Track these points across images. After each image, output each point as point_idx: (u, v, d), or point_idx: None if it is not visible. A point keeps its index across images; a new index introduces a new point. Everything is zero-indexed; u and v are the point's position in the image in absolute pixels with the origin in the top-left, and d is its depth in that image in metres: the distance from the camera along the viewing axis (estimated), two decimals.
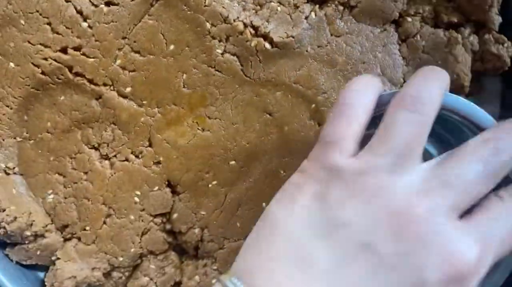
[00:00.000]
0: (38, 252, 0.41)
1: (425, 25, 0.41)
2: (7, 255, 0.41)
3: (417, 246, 0.24)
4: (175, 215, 0.40)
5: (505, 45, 0.40)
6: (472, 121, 0.30)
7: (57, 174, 0.41)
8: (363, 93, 0.29)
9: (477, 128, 0.30)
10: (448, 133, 0.34)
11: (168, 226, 0.41)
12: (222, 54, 0.38)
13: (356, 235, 0.25)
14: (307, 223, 0.27)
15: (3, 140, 0.40)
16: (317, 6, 0.40)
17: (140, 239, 0.41)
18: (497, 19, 0.40)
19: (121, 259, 0.41)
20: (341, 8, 0.40)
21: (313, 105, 0.40)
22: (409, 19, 0.41)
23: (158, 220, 0.41)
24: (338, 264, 0.25)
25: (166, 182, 0.40)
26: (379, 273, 0.25)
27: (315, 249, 0.26)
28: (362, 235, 0.25)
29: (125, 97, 0.39)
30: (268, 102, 0.40)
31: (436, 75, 0.28)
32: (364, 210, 0.25)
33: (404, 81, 0.41)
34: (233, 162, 0.40)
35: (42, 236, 0.40)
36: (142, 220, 0.41)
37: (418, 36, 0.41)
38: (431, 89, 0.27)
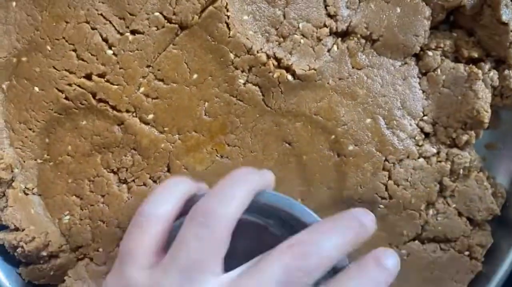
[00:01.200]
0: (52, 272, 0.42)
1: (446, 59, 0.43)
2: (19, 274, 0.43)
3: None
4: None
5: None
6: (295, 217, 0.31)
7: (74, 196, 0.42)
8: (159, 203, 0.29)
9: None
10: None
11: None
12: (244, 84, 0.41)
13: None
14: None
15: (24, 162, 0.42)
16: (340, 39, 0.42)
17: None
18: None
19: None
20: (363, 41, 0.42)
21: (333, 136, 0.42)
22: (430, 53, 0.43)
23: None
24: None
25: None
26: None
27: None
28: None
29: (147, 123, 0.41)
30: (287, 132, 0.42)
31: (242, 179, 0.29)
32: None
33: (424, 115, 0.43)
34: None
35: (57, 256, 0.42)
36: None
37: (439, 70, 0.43)
38: (228, 200, 0.27)
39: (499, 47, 0.42)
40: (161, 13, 0.39)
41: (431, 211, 0.43)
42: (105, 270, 0.43)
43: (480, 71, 0.42)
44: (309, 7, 0.41)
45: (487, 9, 0.41)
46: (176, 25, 0.39)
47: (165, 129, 0.41)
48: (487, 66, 0.43)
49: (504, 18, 0.40)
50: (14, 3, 0.39)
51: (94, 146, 0.41)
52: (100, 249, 0.42)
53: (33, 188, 0.42)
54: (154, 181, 0.42)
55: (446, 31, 0.44)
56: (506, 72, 0.42)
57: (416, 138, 0.43)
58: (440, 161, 0.43)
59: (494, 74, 0.43)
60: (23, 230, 0.40)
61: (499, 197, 0.45)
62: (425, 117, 0.43)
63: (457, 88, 0.43)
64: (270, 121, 0.41)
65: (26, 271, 0.42)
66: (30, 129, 0.41)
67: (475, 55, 0.43)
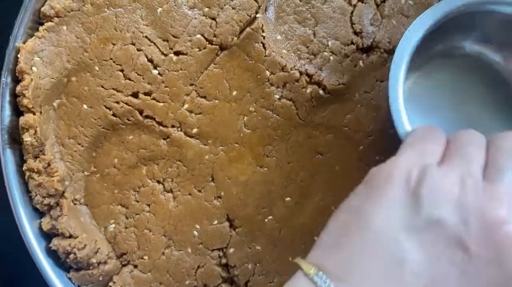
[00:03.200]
0: (100, 278, 0.49)
1: None
2: (69, 279, 0.49)
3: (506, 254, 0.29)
4: (231, 250, 0.49)
5: None
6: None
7: (120, 206, 0.49)
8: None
9: None
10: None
11: (223, 260, 0.50)
12: (279, 99, 0.47)
13: (448, 234, 0.29)
14: (398, 218, 0.30)
15: (73, 174, 0.48)
16: (365, 54, 0.49)
17: (196, 272, 0.49)
18: None
19: None
20: (385, 55, 0.49)
21: (361, 147, 0.49)
22: None
23: (215, 254, 0.49)
24: (430, 263, 0.29)
25: (225, 217, 0.49)
26: (469, 273, 0.28)
27: (406, 247, 0.29)
28: (454, 235, 0.29)
29: (191, 137, 0.47)
30: (319, 144, 0.48)
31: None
32: (458, 210, 0.30)
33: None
34: (288, 199, 0.48)
35: (105, 262, 0.49)
36: (199, 254, 0.49)
37: None
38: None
39: None
40: (202, 35, 0.45)
41: None
42: (150, 278, 0.49)
43: None
44: (337, 26, 0.47)
45: None
46: (217, 46, 0.46)
47: (209, 141, 0.47)
48: None
49: None
50: (65, 27, 0.45)
51: (140, 159, 0.48)
52: (146, 257, 0.49)
53: (80, 199, 0.48)
54: (199, 191, 0.48)
55: None
56: None
57: None
58: None
59: None
60: (76, 237, 0.46)
61: None
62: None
63: None
64: (304, 133, 0.48)
65: (76, 277, 0.48)
66: (79, 143, 0.47)
67: None
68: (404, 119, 0.40)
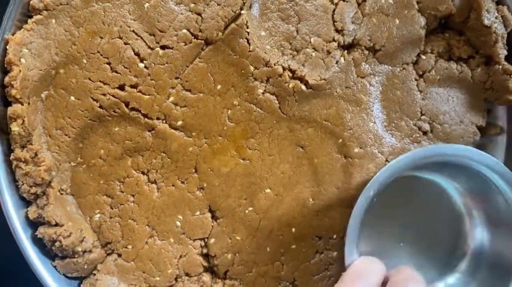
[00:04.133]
0: (85, 266, 0.51)
1: (440, 59, 0.53)
2: (54, 267, 0.51)
3: None
4: (212, 240, 0.51)
5: None
6: None
7: (105, 196, 0.51)
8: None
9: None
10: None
11: (205, 250, 0.52)
12: (262, 93, 0.50)
13: None
14: None
15: (60, 165, 0.50)
16: (346, 51, 0.52)
17: (178, 262, 0.52)
18: (503, 53, 0.52)
19: (157, 278, 0.52)
20: (366, 52, 0.52)
21: (340, 140, 0.52)
22: (424, 56, 0.53)
23: (196, 244, 0.52)
24: None
25: (208, 207, 0.51)
26: None
27: None
28: None
29: (176, 129, 0.49)
30: (300, 137, 0.51)
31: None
32: None
33: (422, 114, 0.53)
34: (268, 190, 0.51)
35: (90, 251, 0.51)
36: (182, 244, 0.52)
37: (433, 71, 0.53)
38: None
39: (486, 46, 0.52)
40: (188, 30, 0.48)
41: None
42: (133, 267, 0.52)
43: (468, 69, 0.53)
44: (319, 23, 0.50)
45: (473, 14, 0.52)
46: (202, 41, 0.48)
47: (193, 134, 0.50)
48: (474, 63, 0.53)
49: (486, 22, 0.51)
50: (53, 20, 0.47)
51: (125, 150, 0.50)
52: (129, 246, 0.52)
53: (67, 189, 0.51)
54: (182, 182, 0.51)
55: (439, 33, 0.55)
56: (496, 67, 0.52)
57: (414, 136, 0.54)
58: None
59: (481, 69, 0.53)
60: (62, 226, 0.49)
61: None
62: (423, 117, 0.54)
63: (452, 88, 0.54)
64: (286, 127, 0.51)
65: (61, 265, 0.50)
66: (66, 134, 0.49)
67: (465, 54, 0.53)
68: (353, 250, 0.46)
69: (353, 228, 0.46)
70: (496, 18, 0.51)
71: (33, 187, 0.48)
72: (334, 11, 0.51)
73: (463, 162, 0.46)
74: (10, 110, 0.46)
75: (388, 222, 0.52)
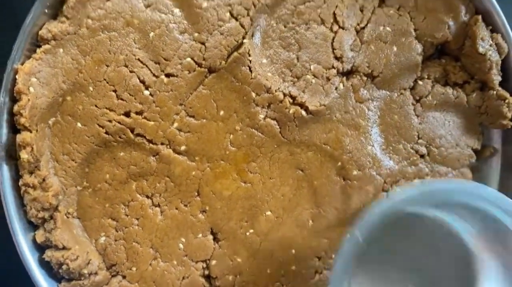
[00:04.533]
0: None
1: (436, 85, 0.55)
2: None
3: None
4: (214, 262, 0.53)
5: (506, 101, 0.54)
6: None
7: (110, 219, 0.53)
8: None
9: None
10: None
11: (206, 272, 0.54)
12: (264, 119, 0.52)
13: None
14: None
15: (67, 189, 0.52)
16: (345, 77, 0.54)
17: (180, 283, 0.53)
18: (497, 79, 0.54)
19: None
20: (365, 78, 0.54)
21: (339, 163, 0.54)
22: (421, 82, 0.55)
23: (199, 266, 0.53)
24: None
25: (210, 230, 0.53)
26: None
27: None
28: None
29: (179, 154, 0.51)
30: (301, 160, 0.53)
31: None
32: None
33: (419, 138, 0.56)
34: (269, 213, 0.53)
35: (95, 273, 0.53)
36: (184, 266, 0.53)
37: (430, 96, 0.55)
38: None
39: (480, 72, 0.55)
40: (192, 58, 0.50)
41: None
42: None
43: (464, 95, 0.56)
44: (319, 51, 0.53)
45: (468, 42, 0.54)
46: (206, 69, 0.50)
47: (196, 158, 0.52)
48: (470, 88, 0.56)
49: (481, 49, 0.53)
50: (61, 50, 0.49)
51: (130, 175, 0.52)
52: (134, 268, 0.53)
53: (73, 212, 0.53)
54: (185, 205, 0.53)
55: (436, 59, 0.57)
56: (490, 92, 0.55)
57: (411, 159, 0.56)
58: None
59: (476, 94, 0.55)
60: (69, 249, 0.51)
61: None
62: (420, 140, 0.56)
63: (448, 112, 0.56)
64: (286, 151, 0.53)
65: (68, 286, 0.52)
66: (73, 160, 0.51)
67: (461, 80, 0.56)
68: None
69: (337, 279, 0.43)
70: (490, 45, 0.53)
71: (41, 212, 0.49)
72: (333, 39, 0.53)
73: (475, 203, 0.43)
74: (19, 138, 0.48)
75: (393, 266, 0.50)
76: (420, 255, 0.48)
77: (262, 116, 0.52)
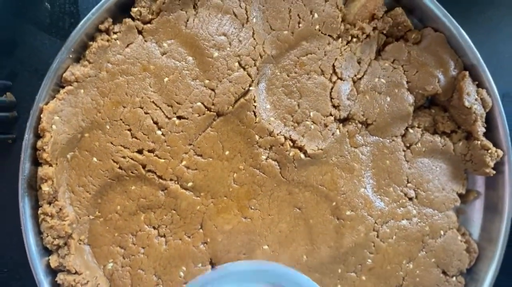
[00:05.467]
0: None
1: (426, 133, 0.61)
2: None
3: None
4: None
5: (489, 151, 0.60)
6: None
7: (118, 247, 0.58)
8: None
9: None
10: None
11: None
12: (266, 159, 0.58)
13: None
14: None
15: (80, 218, 0.57)
16: (341, 124, 0.59)
17: None
18: (481, 130, 0.60)
19: None
20: (360, 125, 0.60)
21: (334, 203, 0.59)
22: (411, 130, 0.61)
23: None
24: None
25: (209, 260, 0.58)
26: None
27: None
28: None
29: (186, 189, 0.57)
30: (298, 199, 0.59)
31: None
32: None
33: (408, 182, 0.61)
34: (266, 247, 0.59)
35: None
36: None
37: (419, 144, 0.61)
38: None
39: (466, 124, 0.60)
40: (202, 103, 0.56)
41: (411, 265, 0.62)
42: None
43: (451, 142, 0.62)
44: (318, 99, 0.58)
45: (456, 95, 0.60)
46: (214, 113, 0.56)
47: (201, 194, 0.57)
48: (457, 137, 0.62)
49: (467, 103, 0.59)
50: (82, 91, 0.55)
51: (139, 207, 0.57)
52: None
53: (84, 239, 0.58)
54: (188, 237, 0.58)
55: (426, 108, 0.63)
56: (475, 142, 0.60)
57: (400, 201, 0.61)
58: (420, 222, 0.62)
59: (462, 143, 0.61)
60: (80, 274, 0.56)
61: (472, 253, 0.63)
62: (409, 184, 0.62)
63: (436, 159, 0.62)
64: (285, 190, 0.59)
65: None
66: (87, 191, 0.57)
67: (449, 129, 0.61)
68: None
69: None
70: (476, 100, 0.59)
71: (56, 239, 0.55)
72: (332, 88, 0.59)
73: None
74: (41, 172, 0.53)
75: None
76: None
77: (264, 157, 0.58)
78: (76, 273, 0.55)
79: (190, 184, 0.57)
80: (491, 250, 0.62)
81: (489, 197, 0.64)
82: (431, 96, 0.62)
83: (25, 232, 0.54)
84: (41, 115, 0.53)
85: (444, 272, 0.63)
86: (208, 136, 0.57)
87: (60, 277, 0.56)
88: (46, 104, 0.54)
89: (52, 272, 0.57)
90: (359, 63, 0.60)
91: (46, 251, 0.56)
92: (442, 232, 0.62)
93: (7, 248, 0.62)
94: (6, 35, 0.62)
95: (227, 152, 0.57)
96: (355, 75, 0.60)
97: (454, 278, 0.63)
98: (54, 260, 0.55)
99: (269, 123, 0.57)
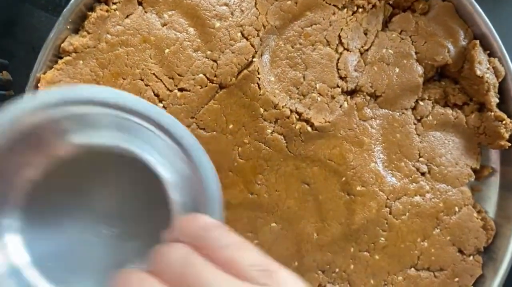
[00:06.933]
0: None
1: (436, 105, 0.61)
2: None
3: None
4: None
5: (504, 122, 0.60)
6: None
7: None
8: None
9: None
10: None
11: None
12: (271, 133, 0.57)
13: None
14: None
15: None
16: (349, 96, 0.59)
17: None
18: (495, 100, 0.60)
19: None
20: (368, 97, 0.60)
21: (343, 179, 0.59)
22: (421, 103, 0.60)
23: None
24: None
25: None
26: None
27: None
28: None
29: None
30: (306, 175, 0.58)
31: None
32: None
33: (420, 156, 0.61)
34: (273, 224, 0.58)
35: None
36: None
37: (430, 116, 0.61)
38: None
39: (479, 94, 0.60)
40: (204, 75, 0.56)
41: (426, 243, 0.61)
42: None
43: (464, 116, 0.61)
44: (324, 71, 0.58)
45: (466, 65, 0.60)
46: (217, 85, 0.56)
47: None
48: (469, 109, 0.61)
49: (479, 72, 0.58)
50: (81, 62, 0.55)
51: None
52: None
53: None
54: None
55: (436, 81, 0.63)
56: (488, 113, 0.60)
57: (413, 177, 0.61)
58: (434, 198, 0.61)
59: (475, 116, 0.61)
60: None
61: (489, 230, 0.63)
62: (421, 159, 0.61)
63: (448, 132, 0.61)
64: (292, 165, 0.58)
65: None
66: None
67: (460, 101, 0.61)
68: None
69: None
70: (488, 69, 0.59)
71: None
72: (338, 59, 0.59)
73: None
74: None
75: (80, 209, 0.43)
76: (114, 194, 0.44)
77: (269, 131, 0.57)
78: None
79: None
80: (508, 228, 0.62)
81: (504, 174, 0.64)
82: (441, 69, 0.62)
83: None
84: (39, 85, 0.53)
85: (460, 251, 0.62)
86: (211, 109, 0.57)
87: None
88: (44, 74, 0.54)
89: None
90: (365, 34, 0.60)
91: None
92: (457, 209, 0.62)
93: None
94: (2, 14, 0.62)
95: (231, 126, 0.57)
96: (362, 47, 0.60)
97: (471, 257, 0.62)
98: None
99: (274, 96, 0.57)
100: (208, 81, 0.56)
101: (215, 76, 0.56)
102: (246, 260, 0.34)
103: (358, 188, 0.59)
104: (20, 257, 0.40)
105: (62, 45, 0.54)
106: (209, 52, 0.56)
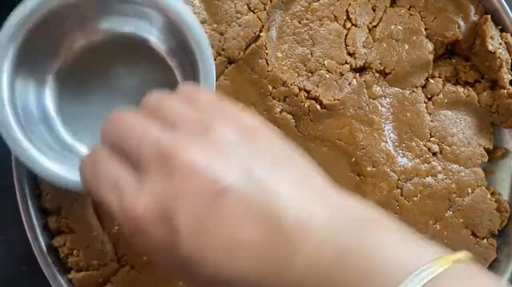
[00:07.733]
0: (100, 279, 0.54)
1: (447, 83, 0.60)
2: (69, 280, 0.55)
3: None
4: None
5: None
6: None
7: None
8: None
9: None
10: None
11: None
12: (280, 112, 0.56)
13: None
14: None
15: None
16: (358, 73, 0.58)
17: None
18: (507, 77, 0.59)
19: None
20: (377, 75, 0.59)
21: (353, 159, 0.58)
22: (432, 80, 0.60)
23: None
24: None
25: None
26: None
27: None
28: None
29: None
30: (315, 155, 0.57)
31: None
32: None
33: (431, 136, 0.60)
34: None
35: (106, 264, 0.55)
36: None
37: (441, 95, 0.60)
38: None
39: (491, 71, 0.60)
40: (212, 48, 0.54)
41: (438, 226, 0.60)
42: (146, 278, 0.56)
43: (475, 94, 0.61)
44: (332, 47, 0.57)
45: (478, 41, 0.59)
46: (226, 59, 0.55)
47: None
48: (481, 87, 0.61)
49: (491, 47, 0.58)
50: None
51: None
52: (145, 258, 0.56)
53: None
54: None
55: (446, 59, 0.62)
56: (501, 91, 0.59)
57: (424, 157, 0.60)
58: (446, 179, 0.60)
59: (487, 94, 0.60)
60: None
61: (503, 212, 0.62)
62: (432, 138, 0.60)
63: (459, 111, 0.61)
64: (301, 145, 0.57)
65: (77, 278, 0.54)
66: None
67: (472, 79, 0.61)
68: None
69: None
70: (500, 44, 0.59)
71: None
72: (346, 35, 0.58)
73: None
74: None
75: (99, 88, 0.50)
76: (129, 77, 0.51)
77: (278, 109, 0.56)
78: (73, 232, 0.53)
79: None
80: None
81: None
82: (451, 46, 0.62)
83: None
84: None
85: (473, 234, 0.61)
86: (222, 85, 0.55)
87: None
88: None
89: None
90: (373, 10, 0.59)
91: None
92: (469, 190, 0.61)
93: None
94: None
95: (241, 104, 0.56)
96: (370, 23, 0.59)
97: (484, 240, 0.61)
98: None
99: (282, 72, 0.56)
100: (217, 55, 0.55)
101: (223, 49, 0.55)
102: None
103: (369, 168, 0.58)
104: (53, 111, 0.49)
105: None
106: (215, 25, 0.55)
